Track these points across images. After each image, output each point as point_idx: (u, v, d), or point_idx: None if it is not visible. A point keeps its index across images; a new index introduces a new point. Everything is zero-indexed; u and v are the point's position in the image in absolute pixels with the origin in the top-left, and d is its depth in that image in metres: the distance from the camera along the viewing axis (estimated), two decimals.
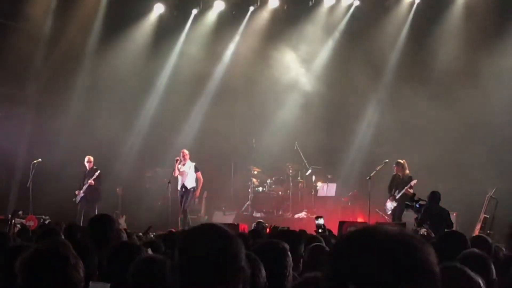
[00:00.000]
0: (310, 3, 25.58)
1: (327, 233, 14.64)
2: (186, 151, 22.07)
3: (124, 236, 8.46)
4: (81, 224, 18.07)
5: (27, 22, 24.61)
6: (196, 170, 21.96)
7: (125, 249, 5.89)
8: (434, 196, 17.31)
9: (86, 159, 22.47)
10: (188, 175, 21.85)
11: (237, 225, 18.37)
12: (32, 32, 24.88)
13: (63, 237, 8.73)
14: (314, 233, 13.06)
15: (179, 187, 21.95)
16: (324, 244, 7.89)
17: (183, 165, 21.83)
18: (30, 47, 24.86)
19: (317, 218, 15.75)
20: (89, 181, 22.04)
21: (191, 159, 22.07)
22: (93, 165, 22.45)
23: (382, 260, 2.20)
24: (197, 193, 22.23)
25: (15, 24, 24.40)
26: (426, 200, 17.56)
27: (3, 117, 24.68)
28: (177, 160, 21.85)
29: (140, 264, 4.87)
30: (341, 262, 2.26)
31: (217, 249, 3.17)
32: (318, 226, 15.36)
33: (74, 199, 22.16)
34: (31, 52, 25.00)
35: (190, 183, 21.89)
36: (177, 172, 21.85)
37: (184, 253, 3.21)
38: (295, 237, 7.33)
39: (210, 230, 3.29)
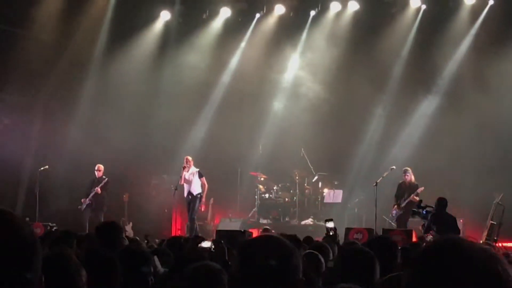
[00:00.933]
0: (316, 10, 25.59)
1: (338, 237, 14.63)
2: (189, 158, 22.07)
3: (126, 243, 8.45)
4: (87, 231, 18.07)
5: (34, 30, 24.66)
6: (200, 176, 21.92)
7: (134, 255, 5.89)
8: (441, 203, 17.27)
9: (96, 167, 22.44)
10: (193, 181, 21.84)
11: (247, 232, 18.35)
12: (39, 39, 24.92)
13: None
14: (321, 239, 13.04)
15: (185, 195, 21.93)
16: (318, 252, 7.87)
17: (187, 171, 21.83)
18: (37, 55, 24.90)
19: (326, 221, 15.69)
20: (96, 189, 22.02)
21: (197, 166, 22.07)
22: (103, 173, 22.43)
23: (476, 272, 2.17)
24: (203, 199, 22.19)
25: (22, 31, 24.46)
26: (433, 206, 17.53)
27: (11, 125, 24.74)
28: (184, 167, 21.85)
29: (198, 272, 4.80)
30: (433, 270, 2.24)
31: (279, 261, 3.14)
32: (328, 229, 15.31)
33: (79, 206, 22.13)
34: (38, 59, 25.04)
35: (195, 189, 21.85)
36: (183, 180, 21.83)
37: (246, 264, 3.19)
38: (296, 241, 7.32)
39: (272, 241, 3.26)
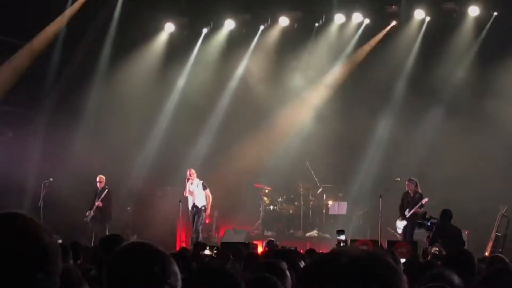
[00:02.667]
0: (320, 22, 25.60)
1: None
2: (192, 170, 22.09)
3: None
4: (92, 244, 18.06)
5: (38, 42, 24.71)
6: (204, 188, 21.93)
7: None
8: (446, 214, 17.24)
9: (97, 178, 22.46)
10: (197, 194, 21.85)
11: (251, 244, 18.33)
12: (43, 51, 24.98)
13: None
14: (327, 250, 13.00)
15: (189, 207, 21.93)
16: None
17: (191, 183, 21.83)
18: (42, 67, 24.96)
19: (338, 233, 15.65)
20: (97, 203, 22.02)
21: (201, 178, 22.07)
22: (104, 184, 22.42)
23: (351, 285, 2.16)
24: (208, 211, 22.18)
25: (26, 44, 24.51)
26: (438, 218, 17.49)
27: (15, 137, 24.77)
28: (187, 179, 21.87)
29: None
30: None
31: (147, 272, 3.11)
32: (339, 241, 15.28)
33: (85, 219, 22.13)
34: (42, 72, 25.11)
35: (200, 202, 21.87)
36: (187, 192, 21.85)
37: (111, 271, 3.18)
38: (293, 254, 7.28)
39: (138, 248, 3.24)
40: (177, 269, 3.15)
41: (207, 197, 21.94)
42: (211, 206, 22.25)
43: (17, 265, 2.45)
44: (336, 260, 2.21)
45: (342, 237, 15.41)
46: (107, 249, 7.37)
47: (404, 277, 2.25)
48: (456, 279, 5.71)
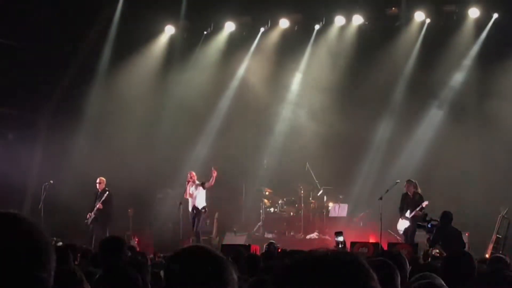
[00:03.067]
0: (321, 24, 25.61)
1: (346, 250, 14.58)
2: (193, 173, 22.09)
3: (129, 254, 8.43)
4: (92, 246, 18.05)
5: (39, 45, 24.72)
6: (203, 185, 21.88)
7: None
8: (446, 216, 17.24)
9: (97, 180, 22.46)
10: (197, 196, 21.85)
11: (249, 246, 18.33)
12: (43, 54, 24.99)
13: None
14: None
15: (190, 209, 21.93)
16: None
17: (191, 186, 21.84)
18: (42, 70, 24.97)
19: (336, 234, 15.63)
20: (97, 205, 22.01)
21: (200, 180, 22.07)
22: (105, 186, 22.42)
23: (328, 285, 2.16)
24: (212, 182, 21.84)
25: (27, 46, 24.52)
26: (438, 220, 17.49)
27: (15, 139, 24.78)
28: (188, 182, 21.88)
29: None
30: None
31: (204, 273, 3.12)
32: (338, 242, 15.26)
33: (85, 221, 22.12)
34: (42, 74, 25.11)
35: (200, 203, 21.88)
36: (187, 195, 21.86)
37: (171, 275, 3.19)
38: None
39: (199, 252, 3.25)
40: (235, 276, 3.18)
41: (210, 184, 21.76)
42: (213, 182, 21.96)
43: (17, 264, 2.45)
44: (310, 263, 2.22)
45: (340, 239, 15.39)
46: (107, 251, 7.38)
47: (375, 276, 2.24)
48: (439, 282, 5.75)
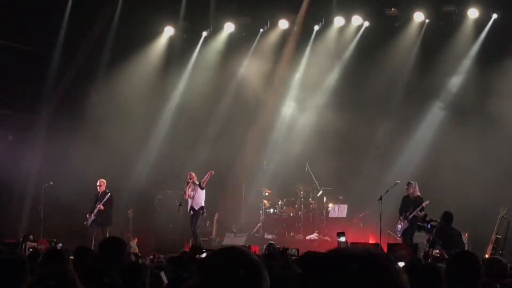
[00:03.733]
0: (320, 25, 25.61)
1: None
2: (193, 174, 22.09)
3: (132, 259, 8.42)
4: (92, 247, 18.03)
5: (38, 46, 24.74)
6: (200, 185, 21.91)
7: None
8: (447, 217, 17.23)
9: (98, 182, 22.45)
10: (195, 196, 21.87)
11: (248, 247, 18.32)
12: (42, 56, 25.01)
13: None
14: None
15: (188, 209, 21.92)
16: None
17: (191, 187, 21.84)
18: (41, 71, 24.98)
19: (339, 235, 15.59)
20: (98, 206, 22.01)
21: (200, 180, 22.09)
22: (105, 188, 22.42)
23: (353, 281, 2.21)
24: (205, 179, 21.94)
25: (27, 47, 24.53)
26: (438, 220, 17.49)
27: (15, 141, 24.79)
28: (187, 183, 21.88)
29: None
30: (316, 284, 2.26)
31: (241, 276, 3.12)
32: (340, 243, 15.24)
33: (85, 222, 22.12)
34: (42, 75, 25.12)
35: (198, 204, 21.89)
36: (187, 195, 21.88)
37: (207, 279, 3.17)
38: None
39: (235, 255, 3.24)
40: (267, 275, 3.18)
41: (203, 181, 21.85)
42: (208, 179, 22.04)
43: None
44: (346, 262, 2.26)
45: (343, 239, 15.37)
46: (107, 253, 7.36)
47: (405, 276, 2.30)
48: None
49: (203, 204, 21.97)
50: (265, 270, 3.18)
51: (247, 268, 3.12)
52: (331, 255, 2.32)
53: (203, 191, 22.05)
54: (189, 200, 21.96)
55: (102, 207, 22.00)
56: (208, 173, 21.79)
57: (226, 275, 3.09)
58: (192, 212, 21.89)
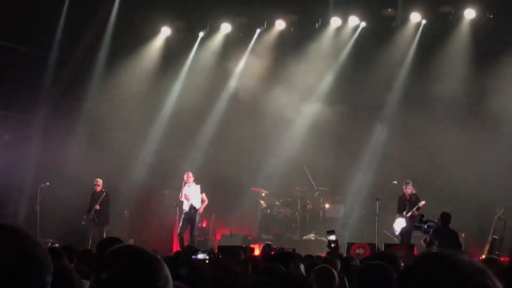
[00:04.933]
0: (317, 25, 25.61)
1: (339, 249, 14.61)
2: (190, 173, 22.04)
3: None
4: (89, 247, 18.03)
5: (35, 46, 24.73)
6: (202, 191, 21.89)
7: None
8: (444, 218, 17.27)
9: (95, 182, 22.45)
10: (193, 197, 21.80)
11: (245, 247, 18.31)
12: (39, 56, 25.00)
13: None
14: (325, 253, 13.04)
15: (187, 209, 21.80)
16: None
17: (188, 187, 21.79)
18: (38, 72, 24.97)
19: (328, 233, 15.59)
20: (95, 206, 22.00)
21: (198, 181, 22.04)
22: (102, 188, 22.41)
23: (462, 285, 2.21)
24: (201, 210, 21.99)
25: (23, 48, 24.52)
26: (435, 221, 17.52)
27: (11, 141, 24.76)
28: (185, 183, 21.82)
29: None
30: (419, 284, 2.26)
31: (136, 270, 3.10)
32: (330, 241, 15.24)
33: (83, 222, 22.11)
34: (38, 76, 25.11)
35: (197, 204, 21.83)
36: (182, 196, 21.76)
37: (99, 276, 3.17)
38: (290, 257, 7.20)
39: (125, 251, 3.23)
40: (167, 273, 3.14)
41: (203, 201, 21.86)
42: (204, 208, 22.07)
43: (13, 279, 2.43)
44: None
45: (333, 237, 15.35)
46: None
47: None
48: None
49: (199, 205, 21.88)
50: (161, 262, 3.17)
51: (145, 262, 3.12)
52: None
53: (202, 194, 21.97)
54: (186, 201, 21.84)
55: (98, 207, 21.99)
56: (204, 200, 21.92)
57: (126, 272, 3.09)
58: (192, 211, 21.74)
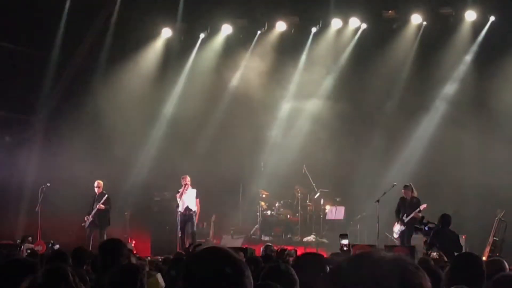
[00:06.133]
0: (318, 27, 25.62)
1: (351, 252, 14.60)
2: (187, 178, 22.05)
3: (134, 260, 8.41)
4: (90, 249, 18.03)
5: (36, 48, 24.74)
6: (197, 196, 21.98)
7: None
8: (445, 219, 17.26)
9: (95, 183, 22.43)
10: (190, 199, 21.87)
11: (246, 249, 18.30)
12: (40, 57, 25.00)
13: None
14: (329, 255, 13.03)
15: (182, 210, 21.85)
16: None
17: (186, 189, 21.85)
18: (39, 72, 24.98)
19: (341, 237, 15.57)
20: (97, 206, 22.00)
21: (199, 183, 22.10)
22: (102, 189, 22.41)
23: (386, 282, 2.28)
24: (196, 219, 22.15)
25: (24, 49, 24.52)
26: (436, 223, 17.51)
27: (12, 142, 24.76)
28: (186, 185, 21.86)
29: None
30: (345, 282, 2.31)
31: (221, 273, 3.13)
32: (343, 245, 15.23)
33: (83, 224, 22.11)
34: (40, 77, 25.12)
35: (193, 207, 21.91)
36: (181, 197, 21.85)
37: (188, 278, 3.19)
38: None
39: (215, 253, 3.26)
40: (251, 277, 3.20)
41: (197, 206, 22.00)
42: (199, 214, 22.22)
43: None
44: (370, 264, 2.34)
45: (345, 242, 15.34)
46: (106, 254, 7.35)
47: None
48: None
49: (195, 208, 22.02)
50: (247, 269, 3.21)
51: (231, 267, 3.14)
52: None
53: (197, 199, 22.10)
54: (182, 202, 21.89)
55: (102, 206, 21.98)
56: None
57: (213, 274, 3.12)
58: (188, 212, 21.82)
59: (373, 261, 2.35)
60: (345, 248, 15.03)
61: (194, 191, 22.00)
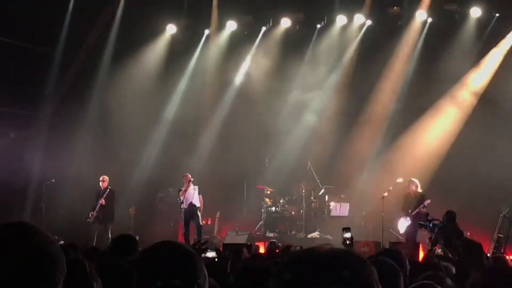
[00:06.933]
0: (322, 23, 25.61)
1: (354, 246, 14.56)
2: (189, 175, 22.09)
3: None
4: (94, 245, 18.05)
5: (41, 44, 24.76)
6: (199, 193, 22.05)
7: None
8: (450, 216, 17.27)
9: (100, 178, 22.46)
10: (194, 195, 21.94)
11: (250, 245, 18.33)
12: (45, 54, 25.03)
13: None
14: None
15: (186, 206, 21.91)
16: None
17: (188, 187, 21.91)
18: (43, 69, 25.00)
19: (344, 230, 15.56)
20: (100, 201, 22.02)
21: (203, 179, 22.15)
22: (108, 184, 22.43)
23: (326, 275, 2.27)
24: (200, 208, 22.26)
25: (29, 45, 24.54)
26: (440, 219, 17.52)
27: (17, 138, 24.79)
28: (189, 181, 21.90)
29: None
30: (290, 277, 2.31)
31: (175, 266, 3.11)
32: (346, 239, 15.22)
33: (88, 219, 22.13)
34: (44, 73, 25.14)
35: (196, 203, 21.98)
36: (184, 194, 21.92)
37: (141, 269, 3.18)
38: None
39: (169, 247, 3.25)
40: (205, 269, 3.17)
41: (200, 202, 22.09)
42: (202, 210, 22.32)
43: (24, 275, 2.46)
44: (312, 257, 2.34)
45: (348, 235, 15.30)
46: (118, 250, 7.32)
47: (374, 270, 2.38)
48: (448, 281, 5.76)
49: (199, 204, 22.12)
50: (200, 260, 3.19)
51: (184, 258, 3.14)
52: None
53: (200, 196, 22.20)
54: (186, 198, 21.94)
55: (103, 202, 22.00)
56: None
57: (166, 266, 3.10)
58: (192, 207, 21.87)
59: (315, 259, 2.34)
60: (348, 242, 14.99)
61: (196, 187, 22.05)
